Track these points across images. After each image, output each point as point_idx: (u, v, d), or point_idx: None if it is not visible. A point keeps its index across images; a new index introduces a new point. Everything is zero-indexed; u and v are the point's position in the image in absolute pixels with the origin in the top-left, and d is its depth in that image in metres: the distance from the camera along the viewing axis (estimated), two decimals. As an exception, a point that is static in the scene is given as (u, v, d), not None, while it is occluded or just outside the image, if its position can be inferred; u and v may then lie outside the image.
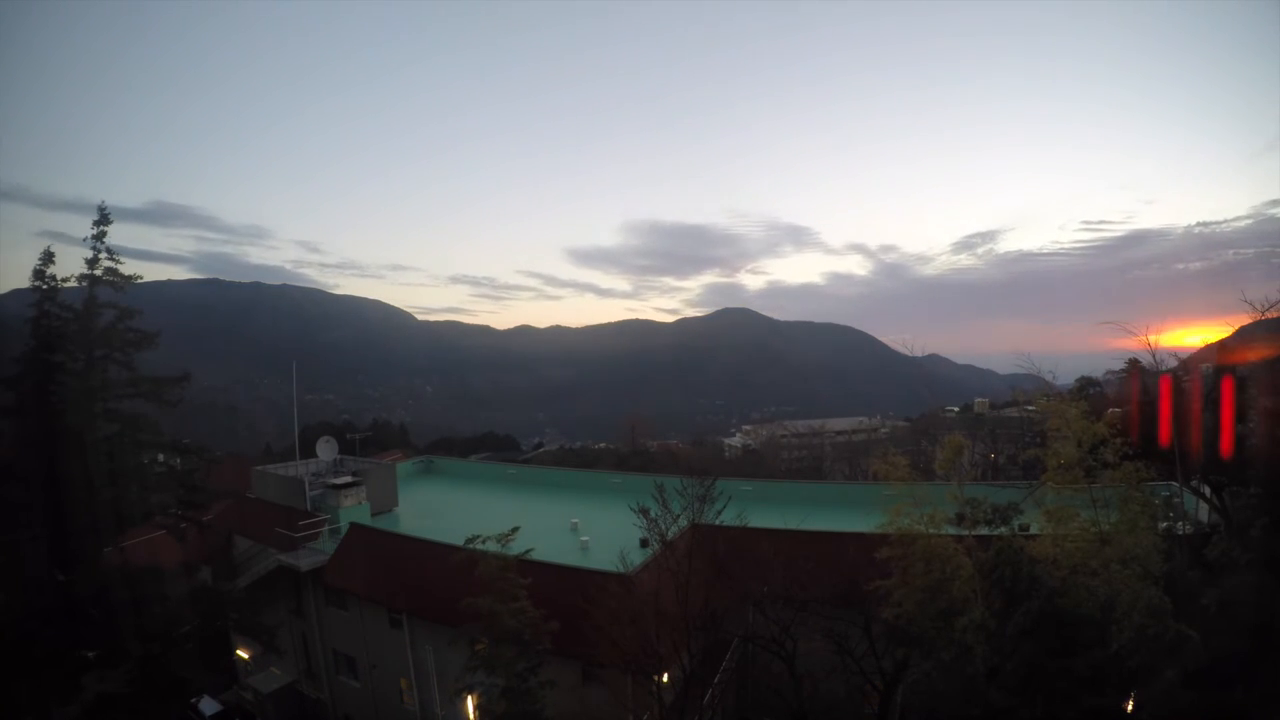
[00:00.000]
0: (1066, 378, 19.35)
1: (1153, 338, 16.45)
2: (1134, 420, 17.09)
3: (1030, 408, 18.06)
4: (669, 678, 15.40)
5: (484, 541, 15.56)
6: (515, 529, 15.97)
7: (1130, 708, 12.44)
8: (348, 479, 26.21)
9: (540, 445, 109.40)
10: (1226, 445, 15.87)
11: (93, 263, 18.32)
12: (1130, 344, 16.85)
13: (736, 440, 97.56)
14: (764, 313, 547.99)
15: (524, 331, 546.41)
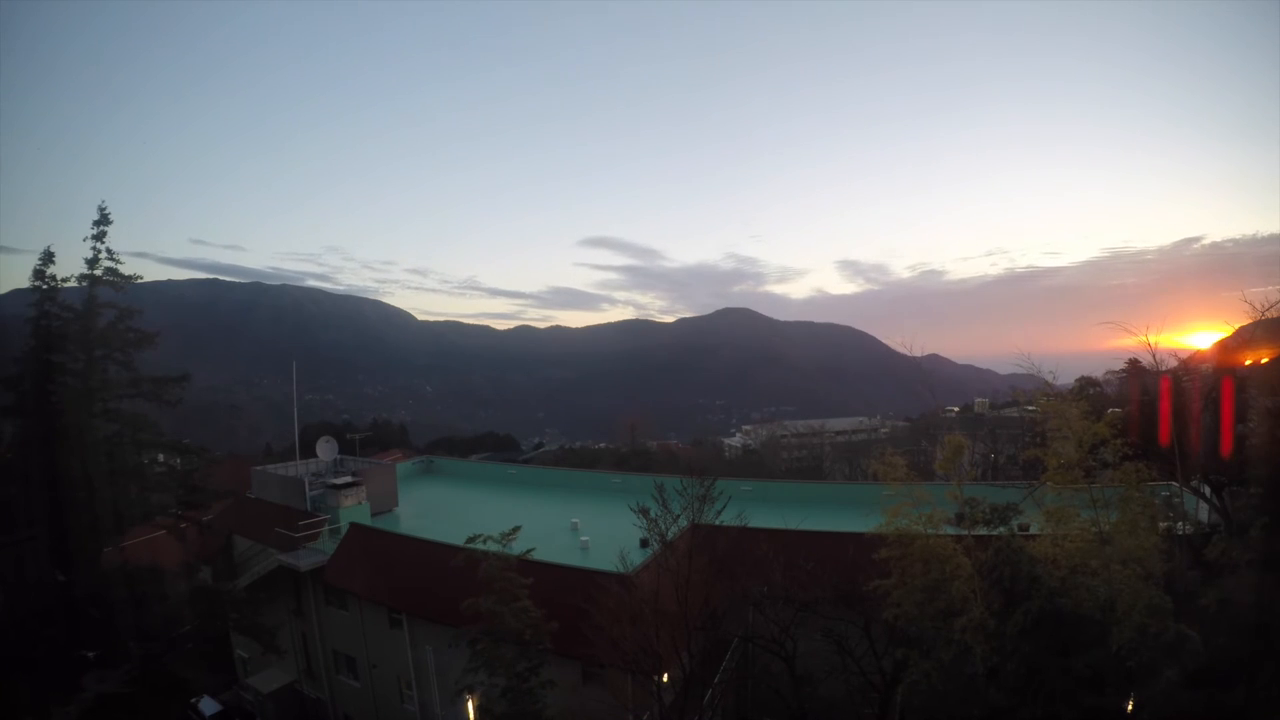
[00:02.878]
0: (1066, 378, 19.33)
1: (1153, 338, 16.41)
2: (1134, 420, 17.08)
3: (1030, 408, 18.05)
4: (669, 678, 15.39)
5: (485, 541, 15.57)
6: (516, 528, 15.97)
7: (1130, 708, 12.44)
8: (348, 479, 26.19)
9: (540, 445, 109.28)
10: (1226, 445, 15.87)
11: (93, 263, 18.34)
12: (1130, 344, 16.82)
13: (736, 440, 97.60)
14: (764, 313, 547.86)
15: (524, 331, 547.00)
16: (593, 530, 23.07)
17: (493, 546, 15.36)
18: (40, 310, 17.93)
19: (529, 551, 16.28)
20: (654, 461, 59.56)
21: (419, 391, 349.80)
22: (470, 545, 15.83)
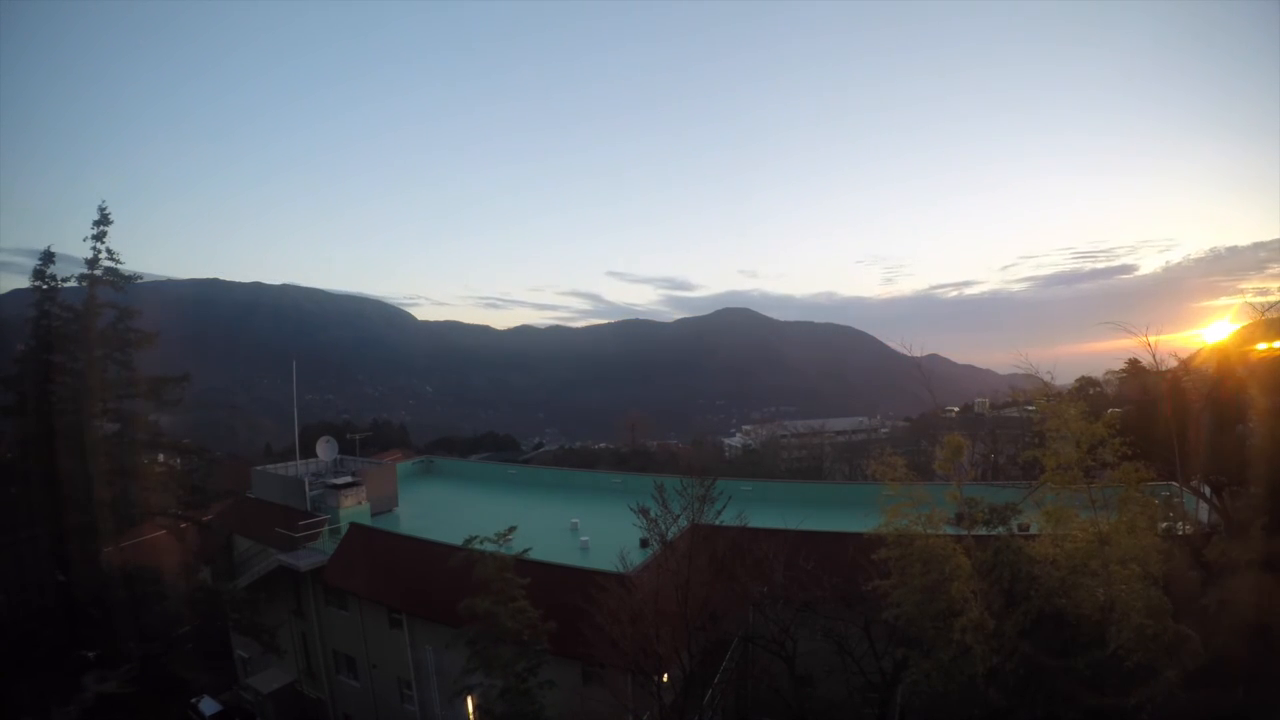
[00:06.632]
0: (1066, 378, 19.33)
1: (1153, 338, 16.42)
2: (1134, 420, 17.07)
3: (1030, 408, 18.05)
4: (669, 678, 15.39)
5: (482, 541, 15.56)
6: (512, 528, 15.94)
7: (1130, 708, 12.43)
8: (348, 479, 26.20)
9: (540, 445, 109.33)
10: (1226, 445, 15.86)
11: (93, 263, 18.34)
12: (1130, 344, 16.82)
13: (736, 440, 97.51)
14: (764, 313, 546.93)
15: (524, 331, 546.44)
16: (593, 530, 23.07)
17: (489, 546, 15.35)
18: (40, 310, 17.94)
19: (526, 551, 16.27)
20: (654, 461, 59.59)
21: (419, 392, 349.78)
22: (468, 545, 15.84)
